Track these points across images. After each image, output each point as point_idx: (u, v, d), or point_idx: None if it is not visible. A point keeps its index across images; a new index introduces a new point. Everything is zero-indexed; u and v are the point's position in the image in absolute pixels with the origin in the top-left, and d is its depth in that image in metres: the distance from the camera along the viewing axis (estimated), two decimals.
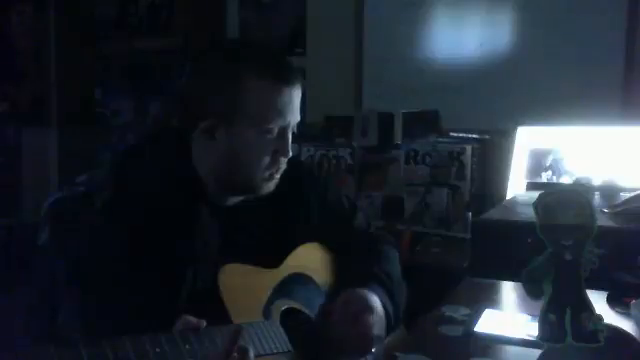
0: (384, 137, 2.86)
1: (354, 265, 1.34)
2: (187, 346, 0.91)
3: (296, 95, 1.17)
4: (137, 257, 1.08)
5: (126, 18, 3.97)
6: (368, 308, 1.17)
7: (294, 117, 1.18)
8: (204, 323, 0.96)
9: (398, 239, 1.54)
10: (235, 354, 0.95)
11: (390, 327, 1.23)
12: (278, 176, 1.21)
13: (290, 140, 1.19)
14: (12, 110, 4.06)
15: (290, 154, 1.19)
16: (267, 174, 1.19)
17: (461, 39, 2.93)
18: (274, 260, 1.24)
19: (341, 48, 3.20)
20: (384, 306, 1.21)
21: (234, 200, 1.24)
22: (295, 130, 1.20)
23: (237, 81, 1.13)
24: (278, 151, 1.18)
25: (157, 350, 0.88)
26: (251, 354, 0.98)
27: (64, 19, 4.11)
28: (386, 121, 2.88)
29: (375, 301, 1.20)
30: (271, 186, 1.21)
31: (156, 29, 3.86)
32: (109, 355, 0.83)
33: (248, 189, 1.21)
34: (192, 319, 0.96)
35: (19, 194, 3.98)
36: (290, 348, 1.13)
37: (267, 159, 1.17)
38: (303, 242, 1.31)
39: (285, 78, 1.15)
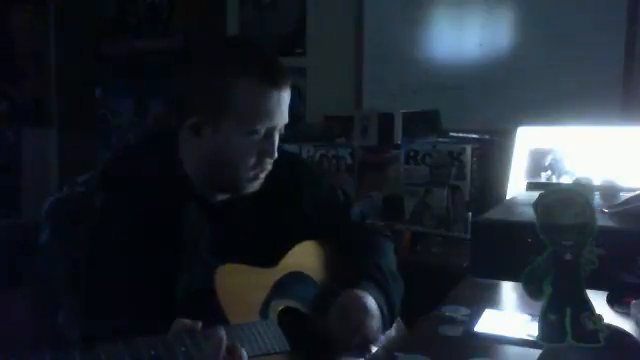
0: (384, 137, 2.86)
1: (349, 260, 1.34)
2: (182, 348, 0.91)
3: (285, 97, 1.17)
4: (132, 257, 1.08)
5: (126, 18, 3.97)
6: (366, 312, 1.18)
7: (282, 119, 1.18)
8: (199, 325, 0.96)
9: (398, 239, 1.54)
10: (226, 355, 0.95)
11: (385, 324, 1.23)
12: (263, 176, 1.21)
13: (277, 141, 1.19)
14: (12, 110, 4.05)
15: (275, 155, 1.19)
16: (252, 174, 1.19)
17: (461, 39, 2.93)
18: (269, 256, 1.24)
19: (341, 48, 3.20)
20: (378, 305, 1.22)
21: (222, 197, 1.24)
22: (283, 131, 1.21)
23: (224, 80, 1.13)
24: (264, 152, 1.18)
25: (152, 353, 0.87)
26: (243, 353, 0.97)
27: (64, 19, 4.10)
28: (386, 121, 2.87)
29: (371, 302, 1.21)
30: (255, 185, 1.22)
31: (156, 29, 3.85)
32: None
33: (232, 188, 1.22)
34: (187, 321, 0.95)
35: (19, 194, 3.98)
36: (288, 348, 1.13)
37: (252, 160, 1.17)
38: (298, 235, 1.31)
39: (274, 80, 1.15)
